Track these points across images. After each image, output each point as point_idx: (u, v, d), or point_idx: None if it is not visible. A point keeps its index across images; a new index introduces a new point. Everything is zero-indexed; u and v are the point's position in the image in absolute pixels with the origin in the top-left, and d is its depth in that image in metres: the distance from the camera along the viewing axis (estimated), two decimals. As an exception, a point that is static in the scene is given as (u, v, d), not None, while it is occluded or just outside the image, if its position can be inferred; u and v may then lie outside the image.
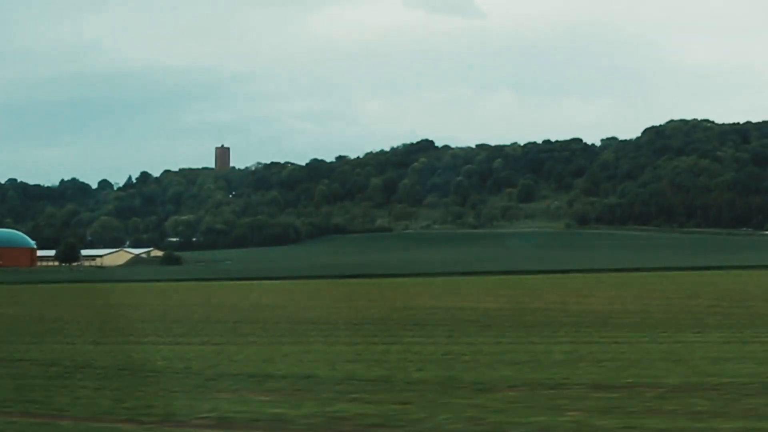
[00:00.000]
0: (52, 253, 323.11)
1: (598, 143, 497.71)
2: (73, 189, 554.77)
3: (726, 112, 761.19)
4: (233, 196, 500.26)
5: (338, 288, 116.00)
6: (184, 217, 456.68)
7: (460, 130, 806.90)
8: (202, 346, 47.04)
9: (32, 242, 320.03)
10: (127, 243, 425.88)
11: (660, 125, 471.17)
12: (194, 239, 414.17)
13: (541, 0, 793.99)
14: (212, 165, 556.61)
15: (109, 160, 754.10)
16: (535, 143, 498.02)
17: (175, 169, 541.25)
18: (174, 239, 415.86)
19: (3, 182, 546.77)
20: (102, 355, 42.63)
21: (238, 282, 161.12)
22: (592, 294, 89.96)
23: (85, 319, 66.17)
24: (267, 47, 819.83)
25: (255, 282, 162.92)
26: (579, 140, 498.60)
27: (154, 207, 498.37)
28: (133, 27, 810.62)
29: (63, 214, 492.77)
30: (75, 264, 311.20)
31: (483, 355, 41.19)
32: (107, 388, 31.58)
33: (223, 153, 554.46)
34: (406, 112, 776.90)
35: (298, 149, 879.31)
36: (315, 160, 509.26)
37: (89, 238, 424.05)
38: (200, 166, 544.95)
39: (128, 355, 42.19)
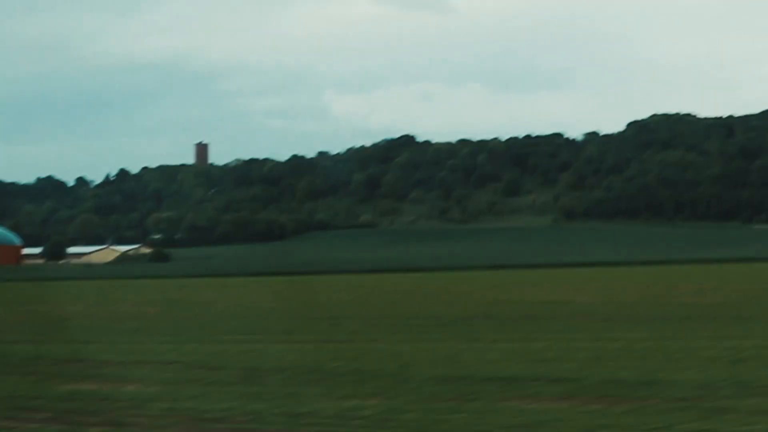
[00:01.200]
0: (36, 250, 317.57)
1: (579, 138, 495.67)
2: (49, 187, 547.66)
3: (707, 106, 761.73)
4: (214, 192, 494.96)
5: (389, 283, 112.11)
6: (165, 214, 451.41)
7: (438, 125, 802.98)
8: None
9: (18, 240, 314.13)
10: (110, 241, 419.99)
11: (644, 119, 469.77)
12: (177, 236, 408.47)
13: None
14: (191, 161, 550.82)
15: (84, 158, 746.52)
16: (516, 138, 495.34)
17: (153, 165, 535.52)
18: (157, 236, 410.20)
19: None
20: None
21: (264, 277, 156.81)
22: (675, 286, 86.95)
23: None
24: (238, 43, 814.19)
25: (284, 277, 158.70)
26: (560, 135, 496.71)
27: (134, 204, 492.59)
28: (104, 23, 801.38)
29: (42, 211, 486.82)
30: (62, 261, 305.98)
31: (691, 351, 37.87)
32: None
33: (201, 149, 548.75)
34: (378, 108, 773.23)
35: (269, 145, 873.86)
36: (296, 156, 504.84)
37: (70, 236, 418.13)
38: (179, 163, 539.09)
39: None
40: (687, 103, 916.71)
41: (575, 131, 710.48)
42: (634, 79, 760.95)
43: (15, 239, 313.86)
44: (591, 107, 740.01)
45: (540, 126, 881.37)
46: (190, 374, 34.24)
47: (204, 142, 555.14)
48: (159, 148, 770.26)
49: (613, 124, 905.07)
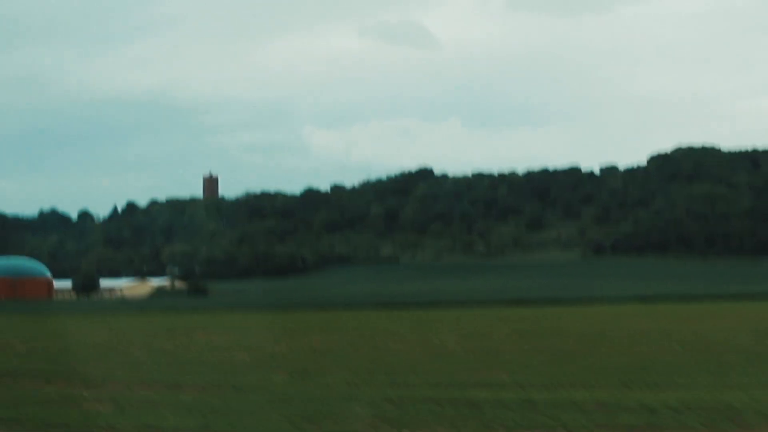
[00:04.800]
0: (66, 284, 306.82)
1: (596, 171, 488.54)
2: (53, 220, 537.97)
3: (728, 138, 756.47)
4: (225, 225, 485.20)
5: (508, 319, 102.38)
6: (179, 248, 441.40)
7: (453, 159, 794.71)
8: None
9: (48, 272, 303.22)
10: (124, 274, 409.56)
11: (667, 152, 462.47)
12: (197, 270, 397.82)
13: (499, 29, 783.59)
14: (198, 194, 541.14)
15: (87, 191, 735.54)
16: (533, 171, 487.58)
17: (161, 198, 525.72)
18: (176, 270, 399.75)
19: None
20: None
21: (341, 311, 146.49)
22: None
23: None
24: (217, 78, 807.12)
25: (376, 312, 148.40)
26: (578, 168, 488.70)
27: (144, 237, 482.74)
28: (96, 56, 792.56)
29: (48, 244, 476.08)
30: (95, 295, 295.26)
31: None
32: None
33: (211, 182, 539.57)
34: (357, 143, 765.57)
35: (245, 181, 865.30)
36: (310, 189, 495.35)
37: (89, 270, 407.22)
38: (187, 196, 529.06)
39: None
40: (708, 134, 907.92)
41: (586, 164, 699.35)
42: (639, 114, 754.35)
43: (46, 272, 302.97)
44: (569, 141, 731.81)
45: (527, 160, 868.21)
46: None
47: (213, 174, 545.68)
48: (163, 182, 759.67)
49: (631, 156, 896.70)
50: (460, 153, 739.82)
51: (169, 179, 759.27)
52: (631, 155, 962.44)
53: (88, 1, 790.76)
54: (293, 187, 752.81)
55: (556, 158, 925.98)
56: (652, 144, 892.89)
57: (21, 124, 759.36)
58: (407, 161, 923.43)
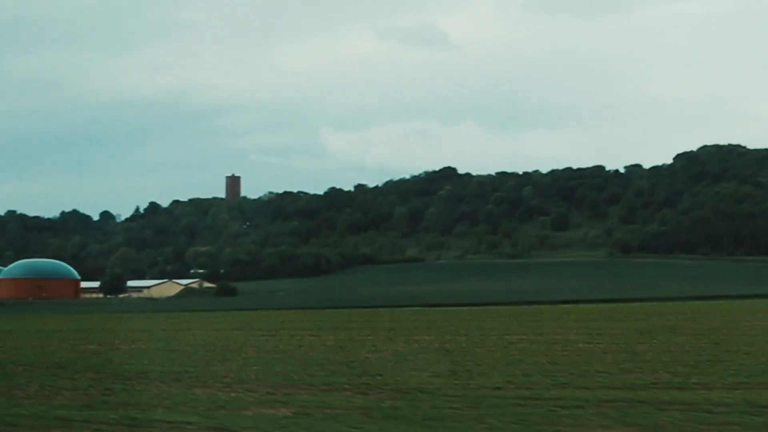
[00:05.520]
0: (94, 284, 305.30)
1: (621, 170, 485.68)
2: (74, 221, 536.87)
3: (758, 137, 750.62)
4: (248, 226, 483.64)
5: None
6: (203, 248, 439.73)
7: (471, 161, 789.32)
8: None
9: (76, 273, 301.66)
10: (148, 275, 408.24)
11: (692, 151, 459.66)
12: (222, 271, 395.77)
13: (517, 31, 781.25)
14: (220, 194, 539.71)
15: (107, 192, 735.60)
16: (557, 170, 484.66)
17: (182, 199, 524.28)
18: (201, 271, 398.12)
19: (2, 214, 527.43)
20: None
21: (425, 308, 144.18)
22: None
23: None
24: (234, 80, 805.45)
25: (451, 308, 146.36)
26: (602, 167, 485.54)
27: (166, 238, 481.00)
28: (117, 59, 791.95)
29: (70, 246, 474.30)
30: (122, 296, 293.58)
31: None
32: None
33: (233, 182, 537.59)
34: (375, 145, 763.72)
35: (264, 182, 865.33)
36: (333, 188, 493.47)
37: (108, 270, 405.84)
38: (209, 196, 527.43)
39: None
40: (737, 134, 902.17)
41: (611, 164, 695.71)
42: (659, 115, 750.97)
43: (73, 273, 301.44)
44: (587, 142, 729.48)
45: (546, 162, 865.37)
46: None
47: (236, 174, 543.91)
48: (183, 182, 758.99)
49: (657, 157, 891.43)
50: (477, 154, 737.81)
51: (188, 180, 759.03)
52: (653, 156, 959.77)
53: (110, 5, 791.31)
54: (310, 188, 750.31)
55: (576, 159, 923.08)
56: (672, 145, 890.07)
57: (41, 126, 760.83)
58: (424, 163, 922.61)
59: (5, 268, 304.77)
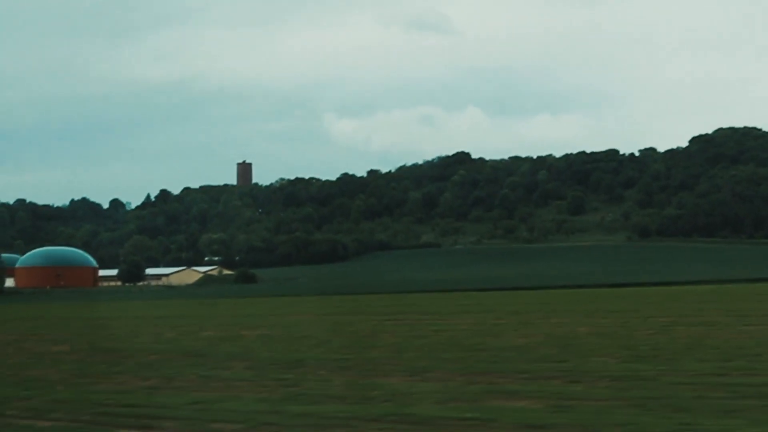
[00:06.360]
0: (112, 272, 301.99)
1: (636, 153, 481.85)
2: (84, 209, 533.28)
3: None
4: (261, 212, 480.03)
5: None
6: (216, 236, 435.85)
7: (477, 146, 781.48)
8: None
9: (93, 261, 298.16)
10: (162, 262, 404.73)
11: (708, 134, 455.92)
12: (237, 258, 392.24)
13: (522, 15, 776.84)
14: (230, 181, 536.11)
15: (117, 180, 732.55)
16: (571, 154, 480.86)
17: (195, 186, 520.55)
18: (216, 258, 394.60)
19: (11, 203, 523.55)
20: None
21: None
22: None
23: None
24: (245, 66, 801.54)
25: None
26: (616, 151, 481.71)
27: (178, 225, 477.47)
28: (125, 45, 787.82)
29: (82, 234, 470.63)
30: (141, 284, 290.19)
31: None
32: None
33: (244, 169, 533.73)
34: (379, 131, 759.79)
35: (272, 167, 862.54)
36: (346, 174, 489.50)
37: (121, 258, 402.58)
38: (221, 183, 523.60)
39: None
40: (753, 117, 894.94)
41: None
42: (669, 99, 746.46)
43: (92, 261, 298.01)
44: (596, 126, 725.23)
45: (554, 146, 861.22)
46: None
47: (247, 161, 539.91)
48: (195, 169, 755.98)
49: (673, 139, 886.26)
50: (485, 140, 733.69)
51: (198, 168, 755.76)
52: (666, 140, 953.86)
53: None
54: (318, 174, 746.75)
55: (586, 144, 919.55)
56: (686, 128, 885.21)
57: (50, 114, 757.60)
58: (431, 148, 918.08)
59: (22, 257, 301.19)
